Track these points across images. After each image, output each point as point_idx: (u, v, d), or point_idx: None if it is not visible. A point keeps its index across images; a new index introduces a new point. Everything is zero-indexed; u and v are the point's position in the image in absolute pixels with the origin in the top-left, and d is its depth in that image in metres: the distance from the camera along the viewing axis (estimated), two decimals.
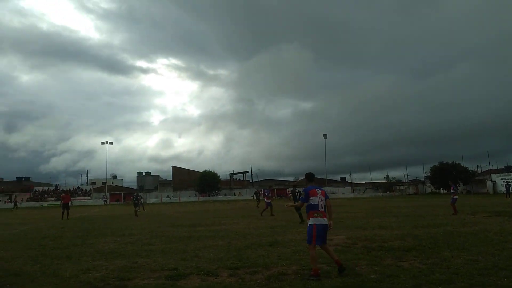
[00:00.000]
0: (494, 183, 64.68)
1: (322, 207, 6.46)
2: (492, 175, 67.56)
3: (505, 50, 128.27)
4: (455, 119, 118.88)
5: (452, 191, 19.70)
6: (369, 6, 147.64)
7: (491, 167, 74.31)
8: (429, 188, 75.93)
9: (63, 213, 24.13)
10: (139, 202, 29.67)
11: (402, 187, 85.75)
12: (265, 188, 26.95)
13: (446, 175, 63.18)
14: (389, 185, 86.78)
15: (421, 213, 20.04)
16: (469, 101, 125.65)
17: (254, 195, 38.44)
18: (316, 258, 6.28)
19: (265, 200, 22.41)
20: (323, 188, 6.80)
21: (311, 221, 6.43)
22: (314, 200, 6.45)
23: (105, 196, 70.47)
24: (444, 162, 69.31)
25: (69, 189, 63.71)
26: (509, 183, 47.32)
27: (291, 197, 17.51)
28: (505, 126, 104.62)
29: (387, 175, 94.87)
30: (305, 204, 6.55)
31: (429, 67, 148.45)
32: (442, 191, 69.95)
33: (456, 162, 69.32)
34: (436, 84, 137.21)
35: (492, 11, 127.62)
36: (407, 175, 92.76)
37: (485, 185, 66.23)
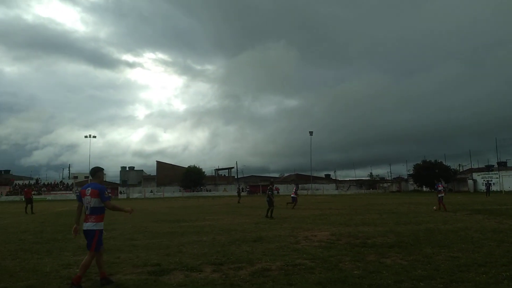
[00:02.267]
0: (475, 181, 66.08)
1: (88, 210, 5.75)
2: (473, 173, 69.00)
3: (485, 53, 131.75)
4: (437, 118, 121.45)
5: (439, 189, 20.26)
6: (355, 6, 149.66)
7: (472, 166, 75.91)
8: (411, 186, 77.10)
9: (26, 207, 24.69)
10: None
11: (385, 185, 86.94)
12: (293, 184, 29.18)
13: (429, 174, 64.31)
14: (373, 183, 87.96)
15: (403, 210, 20.33)
16: (450, 101, 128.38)
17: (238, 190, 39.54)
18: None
19: (292, 195, 25.19)
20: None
21: (101, 225, 5.83)
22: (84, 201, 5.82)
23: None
24: (427, 160, 70.46)
25: (50, 184, 62.53)
26: (490, 182, 48.41)
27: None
28: (486, 126, 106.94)
29: (371, 173, 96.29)
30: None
31: (412, 67, 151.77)
32: (424, 189, 71.17)
33: (439, 161, 70.58)
34: (418, 84, 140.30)
35: (473, 16, 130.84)
36: (391, 173, 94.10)
37: (466, 183, 67.59)
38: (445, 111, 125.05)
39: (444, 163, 70.56)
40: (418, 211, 19.36)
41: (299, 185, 27.08)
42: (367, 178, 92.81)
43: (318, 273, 6.15)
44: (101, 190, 5.79)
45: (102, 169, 6.20)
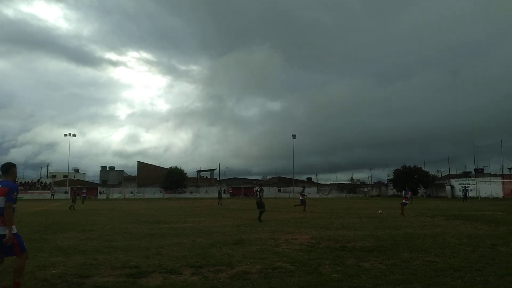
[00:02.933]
0: (452, 187, 67.39)
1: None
2: (451, 179, 70.39)
3: (464, 61, 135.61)
4: (416, 124, 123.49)
5: (406, 195, 21.52)
6: (339, 11, 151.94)
7: (450, 172, 77.46)
8: (391, 190, 78.24)
9: None
10: (81, 196, 32.63)
11: (365, 189, 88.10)
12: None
13: (408, 179, 65.35)
14: (353, 187, 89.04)
15: (383, 215, 20.58)
16: (430, 108, 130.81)
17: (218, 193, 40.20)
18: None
19: (300, 197, 26.15)
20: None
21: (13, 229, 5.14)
22: None
23: (53, 190, 68.36)
24: (407, 166, 71.65)
25: (27, 182, 61.03)
26: (467, 188, 49.49)
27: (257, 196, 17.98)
28: (464, 133, 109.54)
29: (352, 177, 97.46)
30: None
31: (391, 73, 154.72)
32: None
33: (418, 166, 71.85)
34: (398, 89, 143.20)
35: (450, 23, 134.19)
36: (371, 178, 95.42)
37: (444, 189, 68.90)
38: (424, 118, 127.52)
39: (423, 169, 71.95)
40: (397, 216, 19.63)
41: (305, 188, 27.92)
42: (348, 182, 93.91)
43: (298, 277, 6.16)
44: (11, 190, 5.08)
45: (15, 165, 5.51)
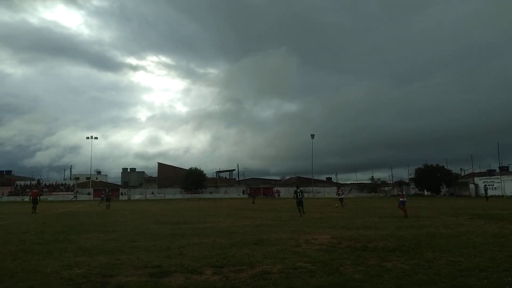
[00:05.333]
0: (476, 186, 65.84)
1: None
2: (475, 178, 68.77)
3: (485, 59, 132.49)
4: (436, 124, 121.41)
5: (400, 193, 21.06)
6: (355, 13, 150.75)
7: (474, 170, 75.69)
8: (413, 189, 76.94)
9: (33, 207, 25.98)
10: (110, 197, 34.71)
11: (386, 188, 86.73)
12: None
13: (430, 177, 64.15)
14: (374, 186, 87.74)
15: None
16: (452, 106, 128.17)
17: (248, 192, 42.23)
18: None
19: (338, 196, 30.32)
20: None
21: None
22: None
23: (76, 191, 69.81)
24: (429, 164, 70.30)
25: (51, 184, 62.65)
26: (487, 186, 48.29)
27: (294, 196, 20.71)
28: (488, 131, 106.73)
29: (372, 176, 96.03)
30: None
31: (410, 73, 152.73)
32: (426, 193, 70.96)
33: (440, 165, 70.41)
34: (415, 90, 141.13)
35: (469, 23, 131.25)
36: (392, 177, 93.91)
37: (468, 188, 67.36)
38: (446, 116, 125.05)
39: (446, 167, 70.48)
40: (419, 215, 19.29)
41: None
42: (369, 182, 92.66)
43: (319, 277, 6.13)
44: None
45: None
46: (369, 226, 14.02)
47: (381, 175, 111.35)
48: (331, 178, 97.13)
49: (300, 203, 20.13)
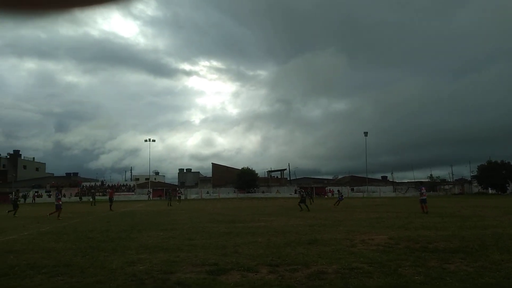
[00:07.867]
0: None
1: None
2: None
3: None
4: (498, 118, 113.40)
5: (420, 191, 21.86)
6: (403, 9, 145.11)
7: None
8: (476, 188, 72.55)
9: (110, 205, 30.34)
10: (177, 196, 37.98)
11: (446, 187, 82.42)
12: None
13: (495, 175, 60.17)
14: (433, 185, 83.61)
15: (467, 213, 19.21)
16: (506, 101, 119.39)
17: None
18: None
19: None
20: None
21: None
22: None
23: (149, 191, 72.98)
24: (493, 161, 66.02)
25: (114, 185, 66.28)
26: None
27: (299, 196, 23.40)
28: None
29: (431, 174, 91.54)
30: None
31: (462, 67, 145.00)
32: (490, 191, 66.65)
33: (506, 161, 65.80)
34: (471, 84, 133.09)
35: None
36: (452, 174, 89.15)
37: None
38: (503, 111, 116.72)
39: None
40: (484, 214, 18.19)
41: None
42: (427, 180, 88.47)
43: (376, 278, 5.99)
44: None
45: None
46: (429, 226, 13.45)
47: (440, 173, 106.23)
48: (386, 176, 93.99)
49: (303, 201, 24.20)
